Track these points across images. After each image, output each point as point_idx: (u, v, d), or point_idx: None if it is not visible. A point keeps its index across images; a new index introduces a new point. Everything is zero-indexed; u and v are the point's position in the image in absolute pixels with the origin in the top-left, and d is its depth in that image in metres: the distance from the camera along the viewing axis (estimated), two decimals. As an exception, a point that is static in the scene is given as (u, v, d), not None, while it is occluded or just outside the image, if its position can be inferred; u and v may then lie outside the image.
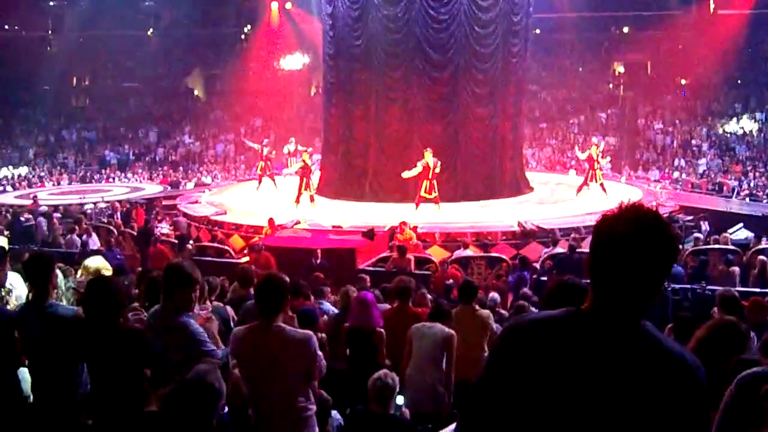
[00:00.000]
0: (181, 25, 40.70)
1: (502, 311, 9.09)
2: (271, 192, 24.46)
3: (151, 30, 42.03)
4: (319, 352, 4.81)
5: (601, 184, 22.61)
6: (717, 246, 14.55)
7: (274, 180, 24.82)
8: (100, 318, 4.52)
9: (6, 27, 41.25)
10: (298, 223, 18.21)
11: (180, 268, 4.82)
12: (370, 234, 15.58)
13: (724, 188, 26.17)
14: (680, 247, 2.26)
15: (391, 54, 22.12)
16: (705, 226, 18.39)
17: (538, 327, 2.18)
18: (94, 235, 16.97)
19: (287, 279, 4.83)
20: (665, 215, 12.14)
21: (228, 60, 37.69)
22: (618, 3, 36.52)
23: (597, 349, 2.08)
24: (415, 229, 16.45)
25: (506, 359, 2.18)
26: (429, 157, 19.87)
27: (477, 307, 7.49)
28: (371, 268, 13.38)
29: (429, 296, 9.25)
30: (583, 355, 2.09)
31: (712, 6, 35.91)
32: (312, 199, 21.54)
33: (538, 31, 33.61)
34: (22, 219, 20.24)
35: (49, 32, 41.80)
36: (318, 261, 13.15)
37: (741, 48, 33.27)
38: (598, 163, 22.86)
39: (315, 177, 22.47)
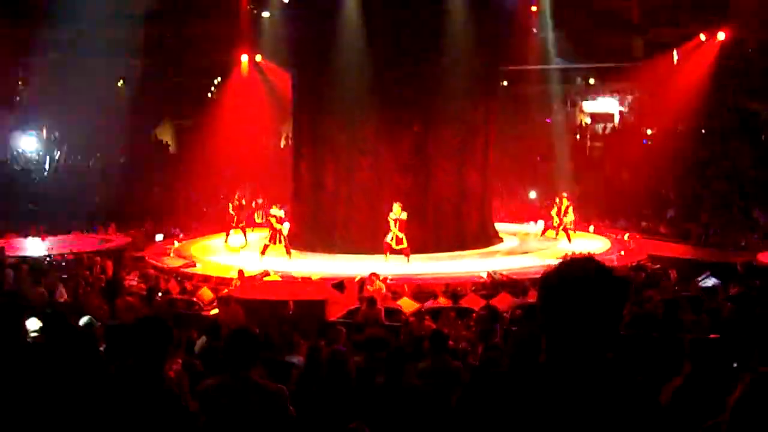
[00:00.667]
0: (152, 76, 40.73)
1: (473, 362, 9.09)
2: (241, 244, 24.42)
3: (121, 81, 42.01)
4: (290, 407, 4.79)
5: (566, 230, 22.93)
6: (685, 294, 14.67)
7: (244, 232, 24.79)
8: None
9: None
10: (267, 274, 18.16)
11: (159, 322, 4.71)
12: (340, 286, 15.58)
13: (691, 235, 26.40)
14: (625, 293, 2.25)
15: (360, 107, 22.27)
16: (673, 274, 18.54)
17: (499, 380, 2.21)
18: (61, 286, 16.79)
19: (257, 331, 4.82)
20: (633, 264, 12.16)
21: (198, 111, 37.74)
22: (585, 55, 37.09)
23: (553, 402, 2.11)
24: (384, 280, 16.47)
25: (468, 414, 2.21)
26: (397, 210, 20.06)
27: (448, 358, 7.50)
28: (342, 320, 13.34)
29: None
30: (540, 408, 2.11)
31: (675, 57, 36.56)
32: (288, 251, 21.53)
33: (505, 83, 34.09)
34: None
35: (19, 83, 41.68)
36: (289, 313, 13.10)
37: (705, 97, 33.83)
38: (566, 215, 23.21)
39: (285, 228, 22.49)
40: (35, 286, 16.92)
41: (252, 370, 4.66)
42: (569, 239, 23.00)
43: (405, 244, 20.23)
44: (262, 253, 21.44)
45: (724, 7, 34.97)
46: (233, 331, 4.81)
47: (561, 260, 2.25)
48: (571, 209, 24.09)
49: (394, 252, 20.30)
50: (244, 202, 25.83)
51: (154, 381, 4.26)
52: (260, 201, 25.90)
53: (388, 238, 20.23)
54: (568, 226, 23.93)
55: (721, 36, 33.65)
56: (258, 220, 25.34)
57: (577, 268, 2.19)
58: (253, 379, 4.61)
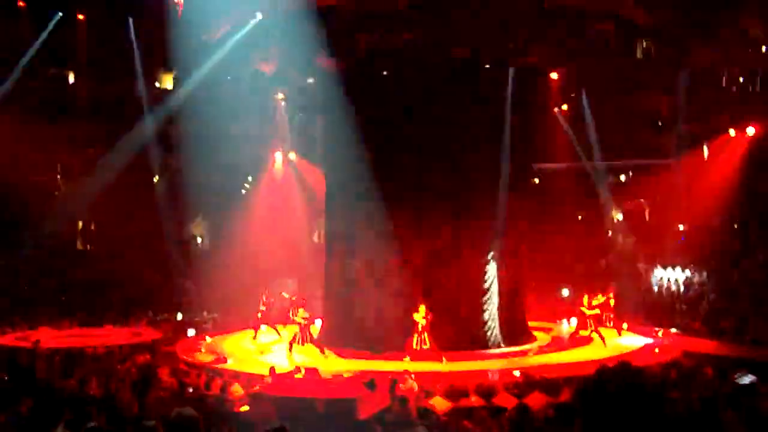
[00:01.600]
0: (186, 172, 41.39)
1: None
2: (272, 340, 24.41)
3: (157, 177, 42.72)
4: None
5: (600, 334, 22.71)
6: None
7: (276, 329, 24.80)
8: None
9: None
10: (298, 371, 18.08)
11: (192, 419, 4.69)
12: (371, 384, 15.46)
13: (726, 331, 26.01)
14: (659, 403, 2.24)
15: (391, 204, 22.44)
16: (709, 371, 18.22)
17: None
18: (93, 379, 16.82)
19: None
20: (668, 361, 12.03)
21: (232, 206, 38.17)
22: (616, 152, 37.31)
23: None
24: (416, 379, 16.36)
25: None
26: (422, 312, 20.20)
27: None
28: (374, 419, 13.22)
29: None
30: None
31: (706, 152, 36.69)
32: (321, 349, 21.51)
33: (537, 180, 34.32)
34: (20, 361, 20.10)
35: (58, 176, 42.46)
36: (320, 411, 13.01)
37: (736, 191, 33.79)
38: (603, 313, 23.07)
39: (315, 328, 22.52)
40: (67, 378, 17.00)
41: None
42: (603, 341, 22.75)
43: (428, 345, 20.24)
44: (290, 349, 21.44)
45: (753, 103, 35.25)
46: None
47: (597, 371, 2.28)
48: (607, 309, 23.94)
49: (418, 354, 20.26)
50: (273, 300, 25.87)
51: None
52: (293, 298, 25.89)
53: (413, 342, 20.30)
54: (607, 324, 23.77)
55: (750, 131, 33.81)
56: (292, 317, 25.21)
57: (613, 380, 2.22)
58: None
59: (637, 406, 2.20)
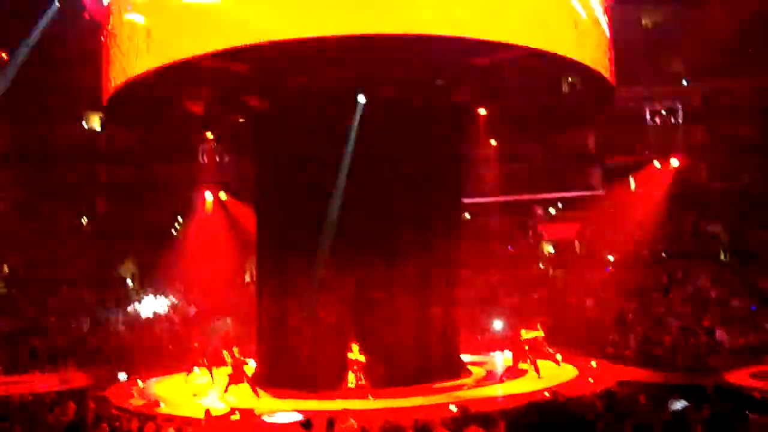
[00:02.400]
0: (115, 214, 40.93)
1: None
2: (206, 382, 24.08)
3: (85, 219, 42.13)
4: None
5: (536, 365, 22.88)
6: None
7: (210, 371, 24.49)
8: None
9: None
10: (233, 413, 17.85)
11: None
12: (307, 424, 15.31)
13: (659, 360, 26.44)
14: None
15: (322, 244, 22.42)
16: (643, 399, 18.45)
17: None
18: (18, 429, 16.33)
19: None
20: (602, 391, 12.20)
21: (162, 249, 37.73)
22: (543, 185, 37.96)
23: None
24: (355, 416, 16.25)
25: None
26: (356, 351, 20.21)
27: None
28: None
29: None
30: None
31: (632, 184, 37.52)
32: (255, 391, 21.26)
33: (467, 215, 34.66)
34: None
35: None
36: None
37: (663, 222, 34.56)
38: (538, 345, 23.29)
39: (249, 367, 22.30)
40: (-8, 429, 16.48)
41: None
42: (537, 372, 22.96)
43: (363, 381, 20.23)
44: (225, 390, 21.18)
45: (674, 137, 36.30)
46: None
47: (527, 405, 2.29)
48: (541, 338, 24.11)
49: (354, 393, 20.24)
50: (206, 342, 25.57)
51: None
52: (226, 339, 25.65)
53: (349, 380, 20.28)
54: (543, 355, 23.94)
55: (674, 163, 34.70)
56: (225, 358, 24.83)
57: (541, 412, 2.23)
58: None
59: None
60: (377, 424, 17.04)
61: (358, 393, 20.27)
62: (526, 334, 23.76)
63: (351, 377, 20.26)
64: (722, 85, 38.32)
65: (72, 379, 27.57)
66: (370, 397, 20.14)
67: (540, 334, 23.70)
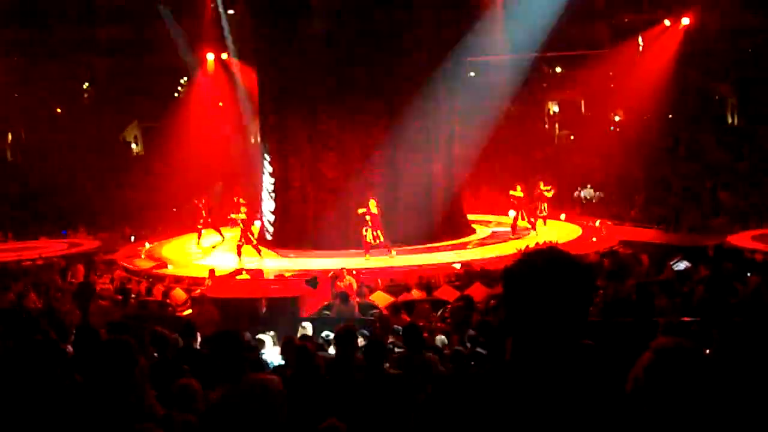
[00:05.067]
0: (116, 77, 40.45)
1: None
2: (215, 242, 24.31)
3: (86, 83, 41.70)
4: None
5: (531, 222, 23.04)
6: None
7: (219, 231, 24.65)
8: None
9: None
10: (239, 273, 18.08)
11: (124, 346, 4.44)
12: (313, 282, 15.53)
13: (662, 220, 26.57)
14: (589, 281, 2.18)
15: (324, 102, 22.19)
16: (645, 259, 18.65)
17: (461, 385, 2.15)
18: (32, 292, 16.62)
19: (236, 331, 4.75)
20: (607, 250, 12.26)
21: (165, 111, 37.43)
22: (549, 44, 37.23)
23: (521, 403, 2.05)
24: (357, 275, 16.44)
25: (431, 422, 2.14)
26: (373, 207, 19.95)
27: (423, 351, 7.46)
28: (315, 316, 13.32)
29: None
30: (509, 411, 2.06)
31: (641, 44, 36.80)
32: (258, 250, 21.39)
33: (472, 74, 34.13)
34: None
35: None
36: (263, 310, 13.06)
37: (670, 83, 34.10)
38: (541, 202, 23.38)
39: (255, 227, 22.37)
40: (4, 292, 16.74)
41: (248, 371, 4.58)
42: (534, 228, 23.16)
43: (382, 239, 20.16)
44: (239, 254, 21.27)
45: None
46: (218, 337, 4.70)
47: (523, 251, 2.22)
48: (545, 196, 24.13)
49: (373, 248, 20.23)
50: (212, 202, 25.63)
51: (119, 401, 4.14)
52: (236, 199, 25.54)
53: (367, 237, 20.10)
54: (541, 214, 24.00)
55: (685, 21, 33.90)
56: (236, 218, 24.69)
57: (539, 258, 2.15)
58: (254, 377, 4.54)
59: (561, 282, 2.13)
60: (382, 281, 17.32)
61: (376, 249, 20.22)
62: (544, 188, 23.81)
63: (368, 233, 20.08)
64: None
65: (81, 242, 27.88)
66: (393, 253, 20.22)
67: (544, 191, 23.74)
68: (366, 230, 20.04)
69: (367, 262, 19.67)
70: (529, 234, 23.04)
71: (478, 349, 8.47)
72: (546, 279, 2.10)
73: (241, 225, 21.59)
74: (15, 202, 34.42)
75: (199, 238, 24.55)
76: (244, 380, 4.48)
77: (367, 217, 20.02)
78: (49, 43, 38.53)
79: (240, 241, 21.43)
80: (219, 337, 4.71)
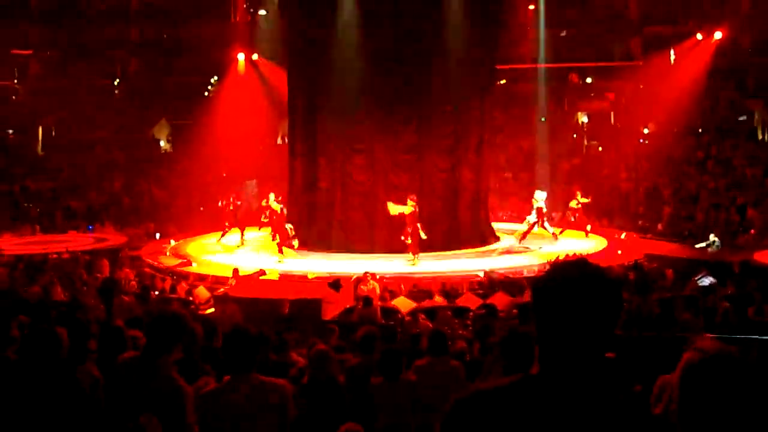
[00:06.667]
0: (147, 75, 40.74)
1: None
2: (236, 243, 24.33)
3: (117, 80, 42.00)
4: (292, 405, 4.74)
5: (554, 233, 23.04)
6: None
7: (242, 231, 24.69)
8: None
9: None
10: (263, 273, 18.12)
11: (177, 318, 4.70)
12: (336, 284, 15.55)
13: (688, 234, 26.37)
14: (617, 295, 2.15)
15: (354, 105, 22.22)
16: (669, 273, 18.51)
17: (485, 400, 2.13)
18: (57, 285, 16.73)
19: (254, 331, 4.77)
20: (630, 263, 12.14)
21: (194, 110, 37.63)
22: (581, 54, 37.10)
23: (548, 419, 2.04)
24: (380, 280, 16.44)
25: None
26: (411, 206, 19.71)
27: (448, 358, 7.42)
28: (337, 320, 13.32)
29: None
30: (536, 426, 2.04)
31: (672, 56, 36.59)
32: (281, 250, 21.28)
33: (503, 81, 34.09)
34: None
35: (15, 81, 41.56)
36: (285, 312, 13.08)
37: (701, 96, 33.89)
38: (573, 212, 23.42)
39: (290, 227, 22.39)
40: (30, 285, 16.87)
41: (253, 370, 4.60)
42: (555, 238, 23.17)
43: (425, 236, 19.93)
44: (280, 251, 21.06)
45: (720, 6, 35.05)
46: (232, 332, 4.74)
47: (553, 262, 2.21)
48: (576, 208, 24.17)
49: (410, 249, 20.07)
50: (239, 202, 25.69)
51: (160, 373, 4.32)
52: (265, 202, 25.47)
53: (402, 236, 19.89)
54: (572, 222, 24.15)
55: (717, 35, 33.70)
56: (264, 220, 24.52)
57: (569, 270, 2.14)
58: (258, 378, 4.56)
59: (592, 296, 2.11)
60: (405, 287, 17.30)
61: (411, 248, 20.05)
62: (582, 199, 23.83)
63: (420, 232, 19.76)
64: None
65: (107, 237, 28.06)
66: (416, 259, 20.08)
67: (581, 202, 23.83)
68: (409, 231, 19.78)
69: (411, 264, 19.64)
70: (554, 243, 22.96)
71: (499, 358, 8.42)
72: (576, 292, 2.09)
73: (269, 228, 21.57)
74: (45, 197, 34.72)
75: (223, 235, 24.60)
76: (234, 379, 4.53)
77: (407, 212, 19.68)
78: (82, 40, 38.89)
79: (275, 239, 21.27)
80: (230, 333, 4.75)
